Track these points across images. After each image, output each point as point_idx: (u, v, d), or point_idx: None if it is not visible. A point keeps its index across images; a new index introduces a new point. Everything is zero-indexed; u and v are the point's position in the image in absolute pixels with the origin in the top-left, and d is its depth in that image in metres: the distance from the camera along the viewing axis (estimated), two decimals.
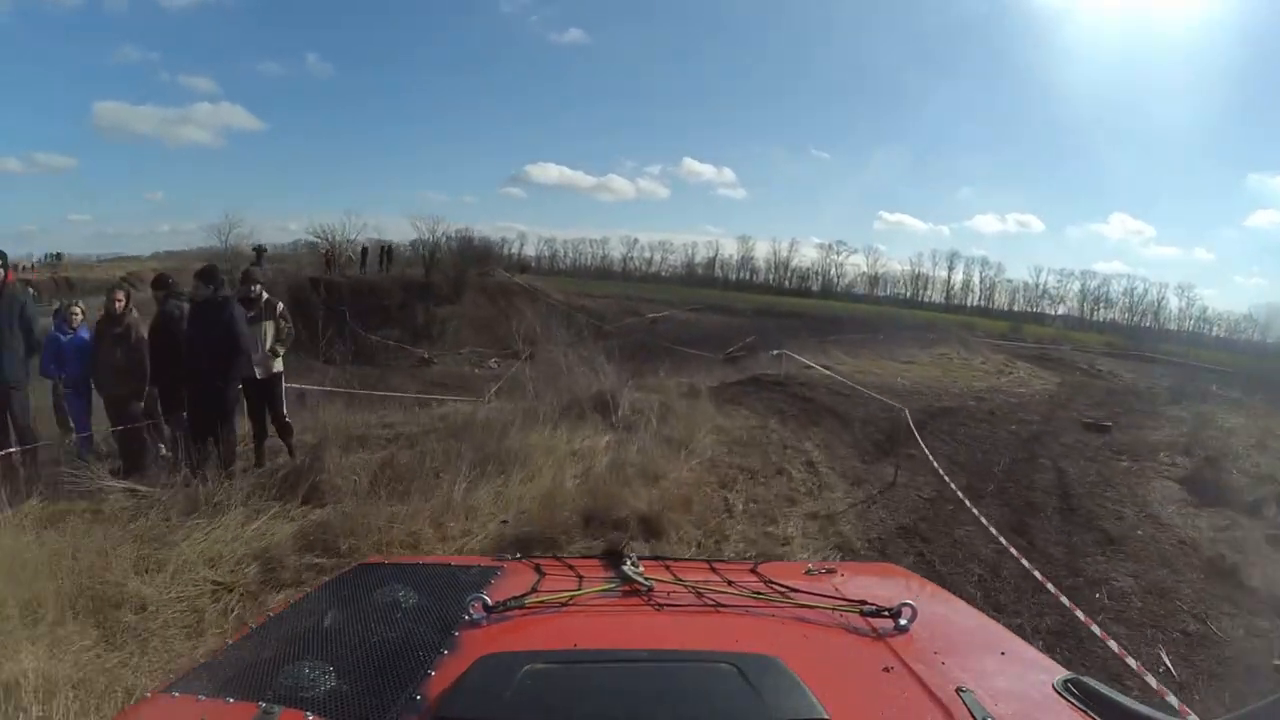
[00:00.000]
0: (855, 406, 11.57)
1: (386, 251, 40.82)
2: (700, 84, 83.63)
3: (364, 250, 39.78)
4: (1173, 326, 56.52)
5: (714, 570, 1.81)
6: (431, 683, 1.18)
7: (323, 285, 33.57)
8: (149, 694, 1.40)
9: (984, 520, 6.54)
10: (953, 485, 7.44)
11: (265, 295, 7.64)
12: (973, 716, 1.11)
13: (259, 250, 35.99)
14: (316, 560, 5.07)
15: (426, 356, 29.79)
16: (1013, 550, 5.88)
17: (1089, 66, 76.97)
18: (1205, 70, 67.59)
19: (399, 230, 45.03)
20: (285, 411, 7.69)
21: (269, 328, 7.48)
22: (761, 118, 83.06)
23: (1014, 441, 10.74)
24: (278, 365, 7.54)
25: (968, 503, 6.94)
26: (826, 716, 1.05)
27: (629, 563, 1.71)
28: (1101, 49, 74.88)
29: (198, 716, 1.14)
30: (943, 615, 1.66)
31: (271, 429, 7.61)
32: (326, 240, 38.78)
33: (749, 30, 75.91)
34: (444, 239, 39.92)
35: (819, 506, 6.92)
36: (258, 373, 7.32)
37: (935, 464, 7.96)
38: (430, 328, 34.04)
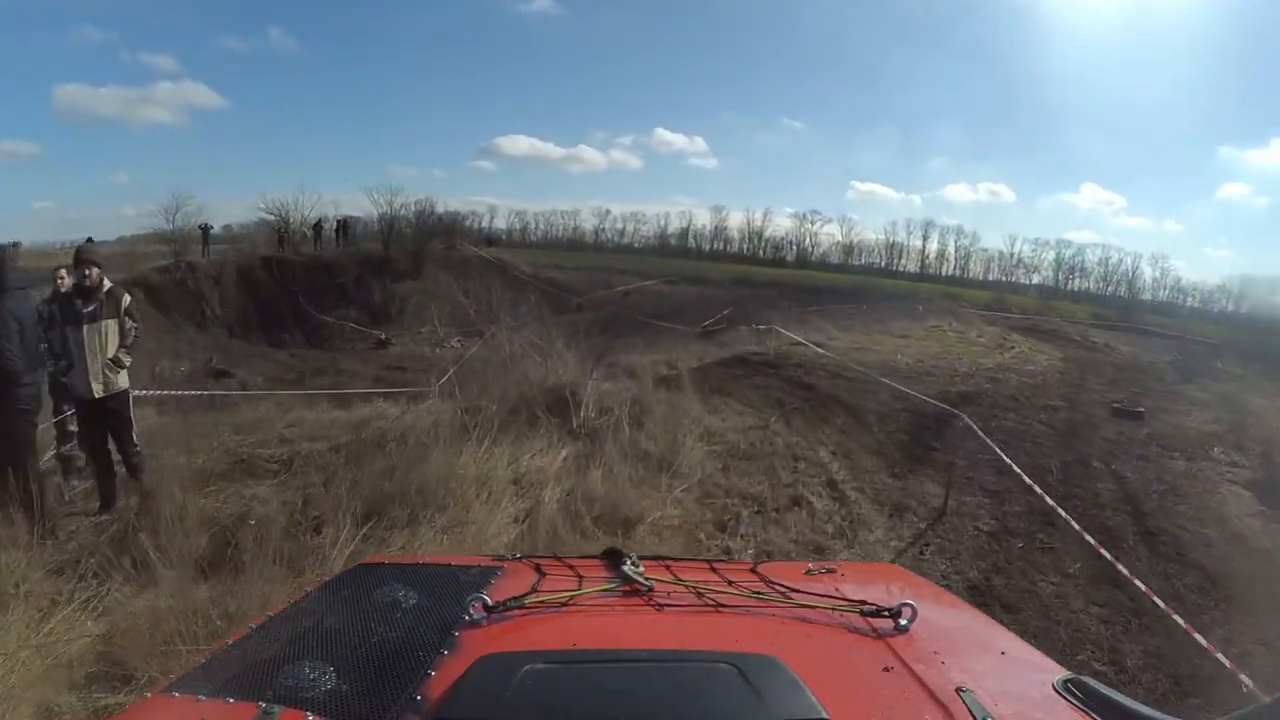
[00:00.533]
0: (864, 395, 9.80)
1: (343, 226, 38.35)
2: (671, 53, 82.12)
3: (318, 225, 37.31)
4: (1146, 296, 56.47)
5: (714, 570, 1.79)
6: (432, 683, 1.16)
7: (275, 264, 31.73)
8: (149, 694, 1.30)
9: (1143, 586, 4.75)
10: (1052, 502, 5.66)
11: (107, 284, 5.60)
12: (973, 716, 1.09)
13: (205, 229, 33.59)
14: (107, 700, 3.21)
15: (384, 338, 27.77)
16: (1208, 647, 4.09)
17: (1061, 39, 76.30)
18: (1180, 43, 67.05)
19: (362, 206, 42.55)
20: (136, 440, 5.75)
21: (111, 328, 5.49)
22: (733, 87, 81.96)
23: (1052, 436, 9.12)
24: (123, 380, 5.58)
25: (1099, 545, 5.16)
26: (826, 716, 1.04)
27: (629, 562, 1.68)
28: (1074, 22, 73.65)
29: (198, 716, 1.12)
30: (943, 615, 1.63)
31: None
32: (280, 217, 36.15)
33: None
34: (403, 212, 37.24)
35: (857, 557, 5.13)
36: (95, 390, 5.39)
37: (1026, 479, 6.11)
38: (389, 306, 32.19)
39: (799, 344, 14.49)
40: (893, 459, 7.40)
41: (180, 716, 1.16)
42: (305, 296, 30.55)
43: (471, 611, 1.39)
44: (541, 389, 7.17)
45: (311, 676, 1.19)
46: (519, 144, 77.46)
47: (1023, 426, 9.29)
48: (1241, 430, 10.61)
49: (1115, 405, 11.50)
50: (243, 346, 27.15)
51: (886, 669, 1.26)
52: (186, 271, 28.56)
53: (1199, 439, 10.04)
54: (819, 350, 13.58)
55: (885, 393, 9.74)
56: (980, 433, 6.33)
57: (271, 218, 36.18)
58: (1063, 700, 1.20)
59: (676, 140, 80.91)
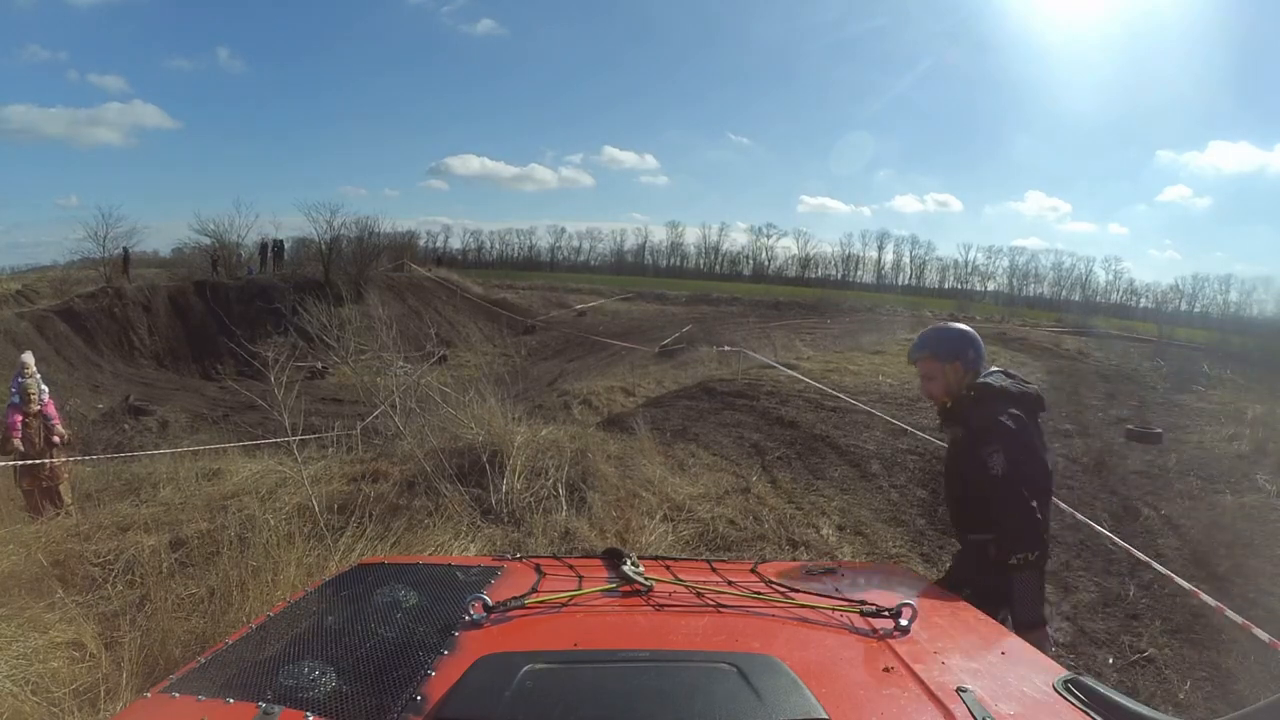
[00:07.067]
0: (857, 431, 8.22)
1: (275, 249, 36.14)
2: (616, 71, 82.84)
3: (263, 247, 35.18)
4: (1101, 299, 57.15)
5: (714, 570, 1.78)
6: (432, 683, 1.15)
7: (209, 289, 29.61)
8: (149, 694, 1.25)
9: None
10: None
11: None
12: (973, 716, 1.09)
13: (126, 252, 31.17)
14: None
15: (320, 366, 25.66)
16: None
17: (1001, 51, 78.66)
18: (1116, 53, 69.00)
19: (303, 226, 40.45)
20: None
21: None
22: (679, 105, 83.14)
23: (1082, 475, 7.67)
24: None
25: None
26: (826, 716, 1.03)
27: (629, 563, 1.66)
28: (1013, 34, 75.61)
29: (198, 716, 1.11)
30: (943, 615, 1.60)
31: None
32: (215, 238, 33.80)
33: (662, 17, 74.43)
34: (343, 231, 34.99)
35: None
36: None
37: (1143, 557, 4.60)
38: (330, 332, 30.12)
39: (768, 366, 12.97)
40: (917, 530, 5.74)
41: (180, 716, 1.13)
42: (240, 323, 28.34)
43: (471, 611, 1.37)
44: (451, 450, 5.45)
45: (311, 676, 1.17)
46: (470, 163, 76.49)
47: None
48: (1267, 449, 9.48)
49: (1130, 428, 10.18)
50: (171, 379, 25.05)
51: (886, 669, 1.24)
52: (114, 298, 26.50)
53: (1233, 464, 8.80)
54: (791, 373, 12.04)
55: (880, 426, 8.21)
56: (1067, 507, 4.80)
57: (206, 239, 33.86)
58: (1063, 700, 1.19)
59: (627, 158, 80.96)
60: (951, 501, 2.85)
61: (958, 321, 3.04)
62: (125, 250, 31.24)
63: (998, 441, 2.51)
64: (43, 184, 68.13)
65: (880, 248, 64.25)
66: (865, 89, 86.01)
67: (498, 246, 62.04)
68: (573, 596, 1.51)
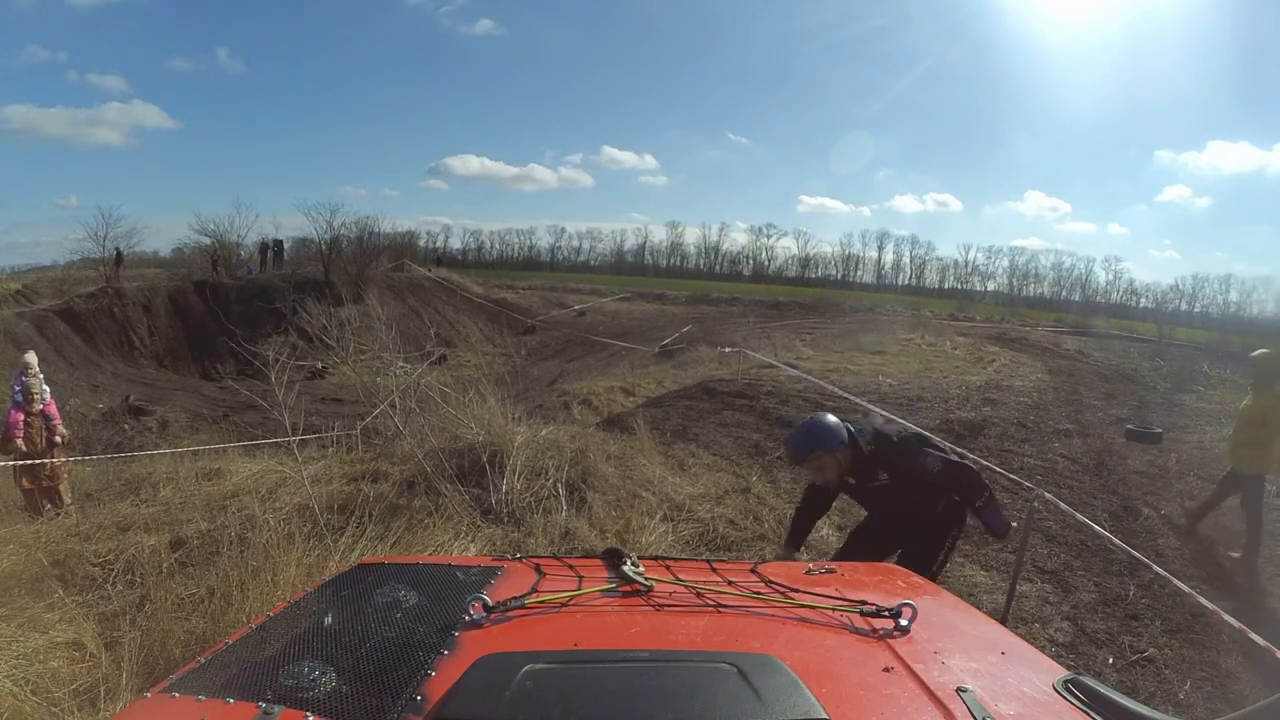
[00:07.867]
0: None
1: (275, 249, 36.13)
2: (614, 71, 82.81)
3: (263, 247, 35.17)
4: (1101, 299, 57.10)
5: (714, 570, 1.77)
6: (432, 683, 1.15)
7: (209, 289, 29.55)
8: (149, 694, 1.24)
9: None
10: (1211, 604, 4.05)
11: None
12: (973, 716, 1.08)
13: (118, 253, 31.02)
14: None
15: (320, 366, 25.60)
16: None
17: (1000, 52, 78.59)
18: (1116, 54, 68.98)
19: (303, 226, 40.51)
20: None
21: None
22: (677, 105, 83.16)
23: (1081, 475, 7.67)
24: None
25: None
26: (826, 716, 1.03)
27: (629, 562, 1.66)
28: (1012, 35, 75.55)
29: (198, 716, 1.11)
30: (943, 615, 1.60)
31: None
32: (215, 238, 33.80)
33: (661, 17, 74.37)
34: (343, 231, 34.94)
35: None
36: None
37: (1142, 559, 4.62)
38: (330, 332, 30.04)
39: (768, 366, 12.96)
40: None
41: (180, 716, 1.13)
42: (240, 323, 28.32)
43: (471, 611, 1.36)
44: (451, 450, 5.44)
45: (311, 676, 1.16)
46: (469, 163, 76.56)
47: (1046, 464, 7.82)
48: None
49: (1130, 427, 10.17)
50: (171, 379, 25.03)
51: (886, 669, 1.24)
52: (114, 298, 26.45)
53: None
54: (791, 371, 12.03)
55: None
56: (1066, 506, 4.80)
57: (205, 240, 33.86)
58: (1063, 700, 1.18)
59: (626, 158, 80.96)
60: (907, 523, 3.35)
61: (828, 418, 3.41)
62: (119, 251, 31.08)
63: (922, 446, 3.25)
64: (43, 184, 68.09)
65: (880, 248, 64.23)
66: (865, 89, 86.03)
67: (498, 246, 62.10)
68: (573, 596, 1.50)
